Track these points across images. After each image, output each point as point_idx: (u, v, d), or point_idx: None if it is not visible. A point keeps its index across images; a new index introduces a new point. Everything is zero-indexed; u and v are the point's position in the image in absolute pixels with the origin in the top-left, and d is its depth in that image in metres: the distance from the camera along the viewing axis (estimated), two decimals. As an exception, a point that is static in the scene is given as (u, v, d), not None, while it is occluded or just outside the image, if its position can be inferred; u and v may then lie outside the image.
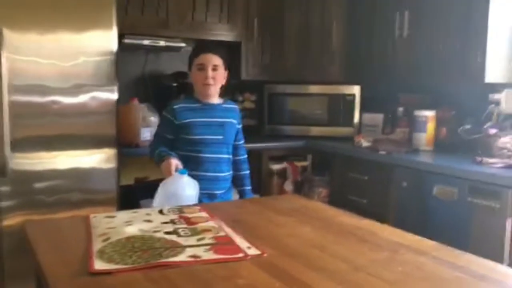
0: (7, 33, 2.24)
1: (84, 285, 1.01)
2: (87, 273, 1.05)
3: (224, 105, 2.31)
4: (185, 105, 2.24)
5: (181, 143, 2.22)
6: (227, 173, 2.28)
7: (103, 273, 1.05)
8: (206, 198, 2.14)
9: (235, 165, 2.34)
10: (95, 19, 2.47)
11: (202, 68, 2.19)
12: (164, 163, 2.06)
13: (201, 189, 2.03)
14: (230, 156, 2.30)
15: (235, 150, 2.34)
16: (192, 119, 2.20)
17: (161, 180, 3.34)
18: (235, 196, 2.39)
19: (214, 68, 2.20)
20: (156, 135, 2.32)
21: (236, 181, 2.37)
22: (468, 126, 2.79)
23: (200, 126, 2.19)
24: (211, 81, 2.20)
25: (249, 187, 2.40)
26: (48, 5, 2.36)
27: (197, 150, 2.19)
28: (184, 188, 1.96)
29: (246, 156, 2.42)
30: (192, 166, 2.13)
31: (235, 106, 2.39)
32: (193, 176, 2.03)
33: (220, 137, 2.22)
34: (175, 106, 2.23)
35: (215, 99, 2.30)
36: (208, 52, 2.22)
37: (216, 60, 2.21)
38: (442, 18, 2.81)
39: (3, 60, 2.22)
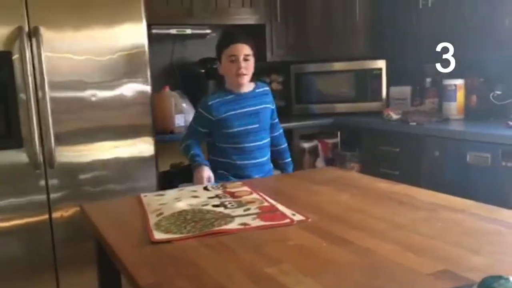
0: (44, 31, 2.35)
1: (149, 253, 1.11)
2: (149, 243, 1.15)
3: (257, 90, 2.35)
4: (220, 99, 2.26)
5: (221, 137, 2.27)
6: (268, 157, 2.35)
7: (163, 242, 1.14)
8: None
9: (273, 141, 2.41)
10: (125, 13, 2.55)
11: (234, 59, 2.21)
12: (197, 172, 2.13)
13: (245, 176, 2.14)
14: (269, 139, 2.37)
15: (271, 127, 2.40)
16: (229, 112, 2.24)
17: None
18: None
19: (246, 58, 2.22)
20: (190, 127, 2.38)
21: (277, 155, 2.46)
22: (499, 92, 2.79)
23: (237, 118, 2.24)
24: (244, 71, 2.21)
25: (289, 159, 2.50)
26: (81, 3, 2.45)
27: (238, 141, 2.25)
28: None
29: (282, 131, 2.50)
30: (236, 156, 2.24)
31: (266, 88, 2.42)
32: (238, 165, 2.16)
33: (256, 125, 2.27)
34: (210, 102, 2.25)
35: (247, 87, 2.32)
36: (238, 42, 2.22)
37: (246, 49, 2.22)
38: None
39: (43, 58, 2.34)
